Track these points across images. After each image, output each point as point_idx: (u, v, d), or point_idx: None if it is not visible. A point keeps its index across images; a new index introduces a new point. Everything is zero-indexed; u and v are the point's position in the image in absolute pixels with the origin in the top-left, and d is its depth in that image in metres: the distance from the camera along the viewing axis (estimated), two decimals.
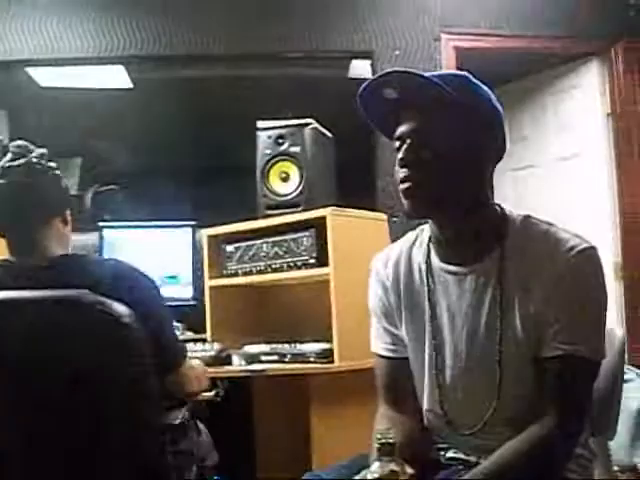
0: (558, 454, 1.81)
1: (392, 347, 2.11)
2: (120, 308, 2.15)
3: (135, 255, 4.27)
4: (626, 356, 5.16)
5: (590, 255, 1.83)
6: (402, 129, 1.89)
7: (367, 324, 2.22)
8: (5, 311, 2.16)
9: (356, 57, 5.21)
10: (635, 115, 5.51)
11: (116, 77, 5.54)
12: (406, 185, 1.85)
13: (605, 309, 1.87)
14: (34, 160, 2.43)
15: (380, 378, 2.13)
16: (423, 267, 2.02)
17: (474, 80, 1.94)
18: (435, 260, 2.00)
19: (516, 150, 6.29)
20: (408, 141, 1.87)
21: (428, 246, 2.03)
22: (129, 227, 4.44)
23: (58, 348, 2.14)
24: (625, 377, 4.43)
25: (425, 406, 2.04)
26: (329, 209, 3.32)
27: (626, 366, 4.70)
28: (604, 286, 1.86)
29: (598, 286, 1.85)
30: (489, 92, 1.95)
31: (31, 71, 5.26)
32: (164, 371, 2.36)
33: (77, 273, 2.30)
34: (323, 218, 3.33)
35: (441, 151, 1.83)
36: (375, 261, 2.17)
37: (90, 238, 4.44)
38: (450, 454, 2.03)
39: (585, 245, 1.83)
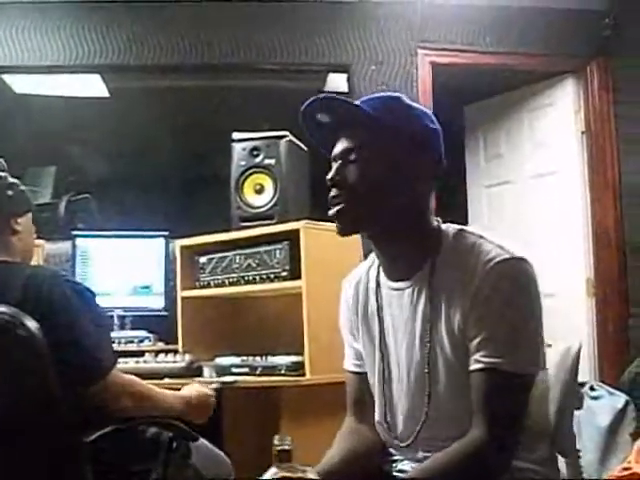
0: (484, 468, 1.79)
1: (357, 362, 2.15)
2: (23, 320, 2.13)
3: (108, 265, 4.27)
4: (596, 373, 5.24)
5: (510, 265, 1.82)
6: (334, 151, 1.95)
7: (339, 338, 2.23)
8: None
9: (333, 71, 5.21)
10: (609, 134, 5.55)
11: (93, 86, 5.51)
12: (334, 207, 1.91)
13: (534, 319, 1.84)
14: None
15: (348, 392, 2.19)
16: (373, 285, 2.07)
17: (406, 101, 1.98)
18: (383, 277, 2.03)
19: (491, 167, 6.33)
20: (338, 162, 1.92)
21: (378, 265, 2.06)
22: (102, 236, 4.42)
23: None
24: (595, 394, 4.51)
25: (376, 418, 2.07)
26: (303, 222, 3.33)
27: (596, 383, 4.76)
28: (530, 296, 1.84)
29: (520, 296, 1.82)
30: (423, 111, 1.99)
31: (7, 78, 5.23)
32: (80, 384, 2.29)
33: (4, 279, 2.29)
34: (297, 231, 3.33)
35: (367, 171, 1.88)
36: (344, 281, 2.22)
37: (63, 247, 4.42)
38: (400, 466, 2.04)
39: (506, 256, 1.82)
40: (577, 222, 5.66)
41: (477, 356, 1.80)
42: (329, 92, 5.26)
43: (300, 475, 1.57)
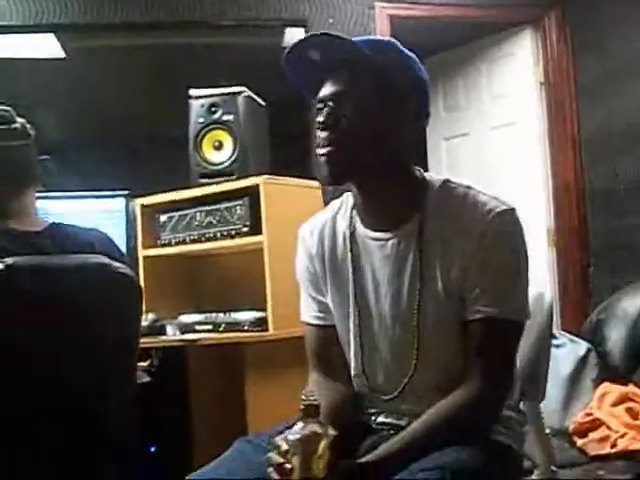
0: (482, 417, 1.83)
1: (320, 315, 2.12)
2: (130, 270, 2.31)
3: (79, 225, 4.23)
4: (558, 321, 5.29)
5: (508, 217, 1.85)
6: (323, 92, 1.90)
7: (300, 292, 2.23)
8: (36, 277, 2.14)
9: (289, 25, 5.17)
10: (567, 85, 5.56)
11: (48, 46, 5.44)
12: (324, 150, 1.87)
13: (526, 270, 1.89)
14: (20, 126, 2.40)
15: (310, 346, 2.15)
16: (347, 234, 2.03)
17: (399, 46, 1.95)
18: (359, 227, 2.01)
19: (450, 119, 6.34)
20: (329, 104, 1.88)
21: (352, 213, 2.04)
22: (62, 197, 4.37)
23: (90, 310, 2.21)
24: (557, 342, 4.55)
25: (352, 372, 2.05)
26: (262, 177, 3.31)
27: (558, 331, 4.81)
28: (524, 247, 1.88)
29: (517, 248, 1.87)
30: (414, 59, 1.96)
31: None
32: None
33: (71, 240, 2.35)
34: (256, 186, 3.31)
35: (359, 114, 1.84)
36: (301, 230, 2.18)
37: None
38: (380, 419, 2.04)
39: (503, 207, 1.85)
40: (537, 173, 5.70)
41: (476, 306, 1.82)
42: (286, 47, 5.22)
43: (326, 430, 1.58)
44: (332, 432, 1.59)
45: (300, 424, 1.58)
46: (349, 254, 2.02)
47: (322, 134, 1.87)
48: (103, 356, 2.23)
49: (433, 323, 1.88)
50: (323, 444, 1.57)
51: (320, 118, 1.88)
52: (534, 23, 5.68)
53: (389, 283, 1.94)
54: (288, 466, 1.56)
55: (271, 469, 1.60)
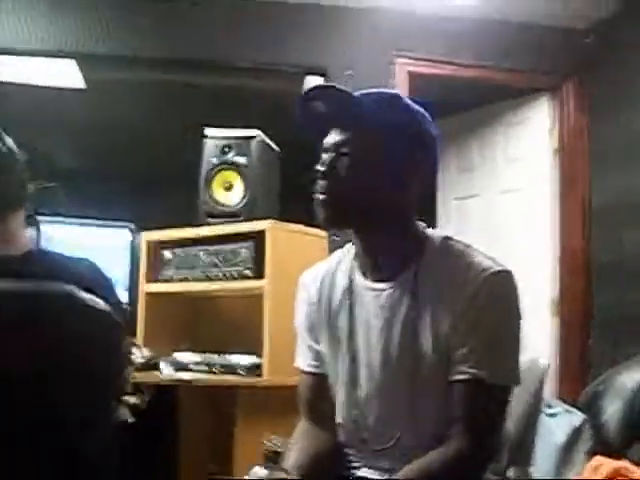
0: (461, 478, 1.79)
1: (314, 363, 2.11)
2: (104, 305, 2.12)
3: (71, 252, 4.20)
4: (556, 390, 5.24)
5: (502, 278, 1.83)
6: (325, 141, 1.92)
7: (296, 339, 2.20)
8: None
9: (308, 73, 5.18)
10: (582, 153, 5.56)
11: (68, 75, 5.46)
12: (320, 197, 1.88)
13: (518, 334, 1.85)
14: (6, 148, 2.38)
15: (302, 393, 2.14)
16: (345, 283, 2.02)
17: (405, 100, 1.96)
18: (357, 276, 2.00)
19: (463, 179, 6.33)
20: (330, 153, 1.89)
21: (352, 263, 2.03)
22: (67, 223, 4.37)
23: (45, 340, 2.06)
24: (552, 411, 4.51)
25: (339, 419, 2.04)
26: (269, 222, 3.31)
27: (553, 400, 4.76)
28: (517, 310, 1.85)
29: (510, 310, 1.84)
30: (421, 114, 1.96)
31: None
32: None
33: (54, 268, 2.25)
34: (263, 231, 3.31)
35: (359, 166, 1.85)
36: (302, 277, 2.18)
37: (29, 233, 4.35)
38: (361, 473, 2.01)
39: (498, 268, 1.83)
40: (544, 240, 5.66)
41: (462, 367, 1.79)
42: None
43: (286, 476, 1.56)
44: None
45: (261, 470, 1.57)
46: (346, 303, 2.01)
47: (320, 182, 1.89)
48: (66, 391, 2.16)
49: (425, 380, 1.86)
50: None
51: (319, 167, 1.90)
52: (552, 90, 5.68)
53: (380, 335, 1.93)
54: None
55: None
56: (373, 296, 1.95)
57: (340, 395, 2.03)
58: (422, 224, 1.98)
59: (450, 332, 1.81)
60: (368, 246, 1.95)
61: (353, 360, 1.98)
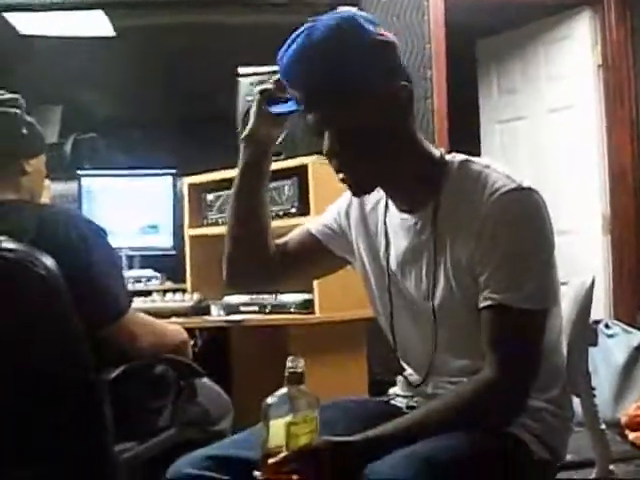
0: (495, 408, 1.73)
1: (321, 229, 2.12)
2: (40, 258, 2.05)
3: (114, 204, 4.21)
4: (612, 311, 5.19)
5: (518, 195, 1.74)
6: (311, 123, 1.81)
7: (348, 275, 2.17)
8: None
9: (342, 4, 5.07)
10: (626, 67, 5.43)
11: (97, 25, 5.43)
12: (340, 176, 1.80)
13: (542, 252, 1.77)
14: None
15: (292, 238, 2.19)
16: (381, 214, 1.98)
17: (352, 27, 1.75)
18: (392, 208, 1.95)
19: (505, 101, 6.23)
20: (326, 134, 1.78)
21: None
22: (108, 175, 4.36)
23: None
24: (610, 332, 4.46)
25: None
26: (311, 157, 3.25)
27: (611, 320, 4.71)
28: (538, 228, 1.76)
29: (529, 228, 1.75)
30: (376, 40, 1.76)
31: (9, 17, 5.13)
32: (99, 323, 2.25)
33: (6, 219, 2.22)
34: (305, 167, 3.26)
35: (344, 133, 1.74)
36: (344, 196, 2.10)
37: (70, 187, 4.36)
38: (411, 403, 2.00)
39: (512, 186, 1.73)
40: (593, 158, 5.57)
41: (485, 293, 1.73)
42: None
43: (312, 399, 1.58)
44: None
45: (283, 389, 1.59)
46: (383, 228, 1.96)
47: (332, 162, 1.81)
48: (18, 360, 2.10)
49: (447, 308, 1.82)
50: (304, 412, 1.57)
51: (324, 149, 1.80)
52: (593, 4, 5.54)
53: (411, 265, 1.89)
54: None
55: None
56: (403, 227, 1.91)
57: (386, 325, 2.02)
58: (441, 149, 1.91)
59: (470, 258, 1.76)
60: (390, 189, 1.90)
61: (392, 288, 1.95)
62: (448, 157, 1.89)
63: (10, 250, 2.04)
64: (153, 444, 2.41)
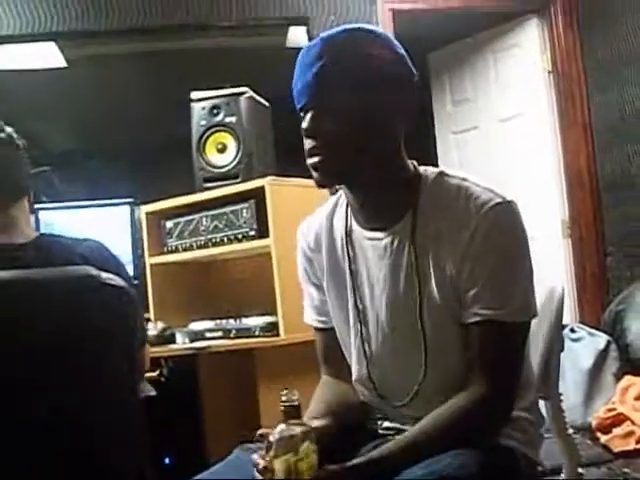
0: (486, 422, 1.74)
1: (321, 318, 2.08)
2: (121, 282, 2.12)
3: (73, 236, 4.15)
4: (576, 314, 5.21)
5: (503, 210, 1.73)
6: (302, 100, 1.81)
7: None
8: (16, 292, 2.03)
9: (291, 24, 5.10)
10: (576, 71, 5.48)
11: (49, 56, 5.39)
12: (312, 160, 1.78)
13: (527, 266, 1.77)
14: (7, 136, 2.33)
15: (318, 348, 2.12)
16: (343, 234, 1.95)
17: (364, 38, 1.81)
18: (355, 226, 1.93)
19: (459, 112, 6.27)
20: (310, 111, 1.78)
21: (347, 211, 1.96)
22: (65, 208, 4.32)
23: (67, 323, 2.07)
24: (575, 336, 4.48)
25: (355, 377, 1.99)
26: (267, 179, 3.25)
27: (576, 324, 4.74)
28: (523, 241, 1.77)
29: (515, 242, 1.75)
30: (395, 51, 1.82)
31: None
32: (140, 346, 2.37)
33: (59, 251, 2.22)
34: (262, 188, 3.25)
35: (339, 117, 1.75)
36: (299, 230, 2.11)
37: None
38: (386, 424, 1.98)
39: (497, 200, 1.73)
40: (549, 164, 5.63)
41: (474, 308, 1.73)
42: (291, 48, 5.15)
43: (304, 430, 1.56)
44: (309, 431, 1.58)
45: (281, 426, 1.55)
46: (346, 255, 1.94)
47: (307, 142, 1.79)
48: (91, 370, 2.14)
49: (435, 326, 1.80)
50: (305, 446, 1.54)
51: (303, 125, 1.80)
52: (539, 11, 5.60)
53: (384, 285, 1.87)
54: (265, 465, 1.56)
55: (256, 471, 1.59)
56: (372, 246, 1.88)
57: (352, 352, 1.98)
58: (414, 163, 1.90)
59: (456, 274, 1.75)
60: (362, 196, 1.86)
61: (360, 315, 1.93)
62: (421, 170, 1.88)
63: (100, 276, 2.08)
64: None
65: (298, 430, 1.55)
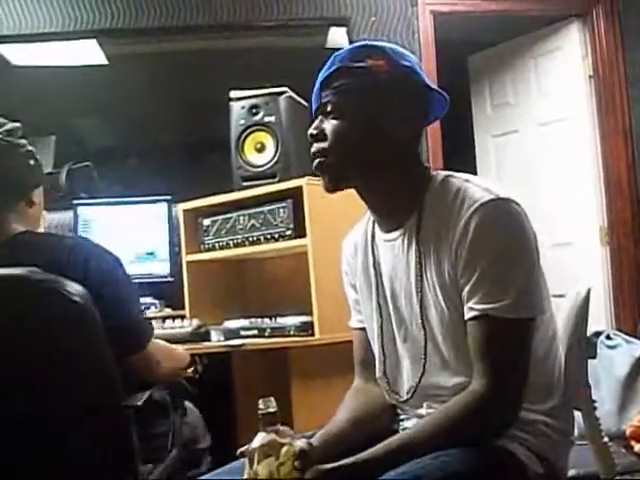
0: (486, 422, 1.74)
1: (361, 318, 2.13)
2: (73, 287, 2.07)
3: (111, 232, 4.19)
4: (613, 321, 5.17)
5: (494, 207, 1.75)
6: (313, 106, 1.96)
7: (346, 296, 2.20)
8: None
9: (331, 25, 5.11)
10: (617, 76, 5.44)
11: (90, 53, 5.43)
12: (316, 161, 1.91)
13: (524, 261, 1.77)
14: (5, 133, 2.34)
15: (354, 351, 2.16)
16: (369, 239, 2.04)
17: (381, 48, 1.93)
18: (377, 230, 2.01)
19: (498, 116, 6.23)
20: (318, 117, 1.92)
21: (370, 218, 2.05)
22: (104, 204, 4.35)
23: (5, 328, 2.08)
24: (612, 343, 4.44)
25: (377, 374, 2.03)
26: (305, 179, 3.26)
27: (612, 331, 4.69)
28: (517, 237, 1.77)
29: (508, 238, 1.75)
30: (399, 55, 1.93)
31: (2, 49, 5.14)
32: (127, 352, 2.29)
33: (30, 251, 2.22)
34: (299, 188, 3.26)
35: (343, 123, 1.87)
36: (344, 241, 2.19)
37: (65, 217, 4.35)
38: (406, 424, 2.00)
39: (489, 197, 1.75)
40: (588, 170, 5.57)
41: (470, 304, 1.75)
42: (331, 48, 5.15)
43: (288, 441, 1.59)
44: (299, 443, 1.63)
45: (261, 434, 1.61)
46: (372, 259, 2.02)
47: (314, 146, 1.91)
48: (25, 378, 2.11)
49: (436, 321, 1.84)
50: (284, 450, 1.59)
51: (310, 130, 1.93)
52: (582, 15, 5.55)
53: (401, 283, 1.93)
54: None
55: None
56: (388, 247, 1.95)
57: (375, 349, 2.04)
58: (428, 166, 1.97)
59: (453, 272, 1.78)
60: (372, 201, 1.95)
61: (382, 313, 2.00)
62: (433, 173, 1.94)
63: (43, 280, 2.06)
64: (165, 466, 2.46)
65: (276, 436, 1.60)
